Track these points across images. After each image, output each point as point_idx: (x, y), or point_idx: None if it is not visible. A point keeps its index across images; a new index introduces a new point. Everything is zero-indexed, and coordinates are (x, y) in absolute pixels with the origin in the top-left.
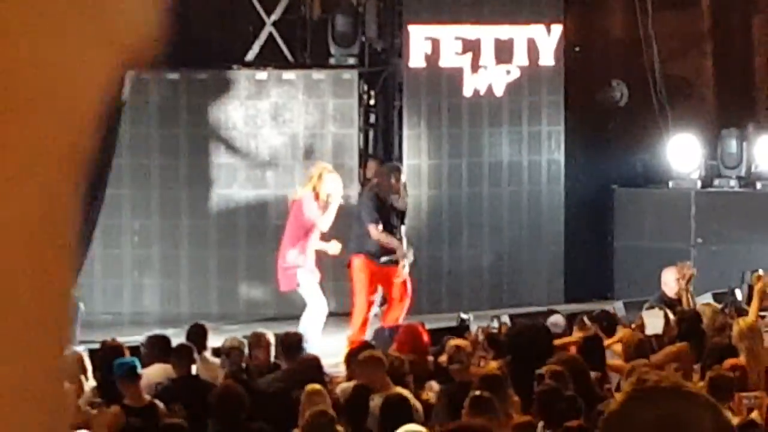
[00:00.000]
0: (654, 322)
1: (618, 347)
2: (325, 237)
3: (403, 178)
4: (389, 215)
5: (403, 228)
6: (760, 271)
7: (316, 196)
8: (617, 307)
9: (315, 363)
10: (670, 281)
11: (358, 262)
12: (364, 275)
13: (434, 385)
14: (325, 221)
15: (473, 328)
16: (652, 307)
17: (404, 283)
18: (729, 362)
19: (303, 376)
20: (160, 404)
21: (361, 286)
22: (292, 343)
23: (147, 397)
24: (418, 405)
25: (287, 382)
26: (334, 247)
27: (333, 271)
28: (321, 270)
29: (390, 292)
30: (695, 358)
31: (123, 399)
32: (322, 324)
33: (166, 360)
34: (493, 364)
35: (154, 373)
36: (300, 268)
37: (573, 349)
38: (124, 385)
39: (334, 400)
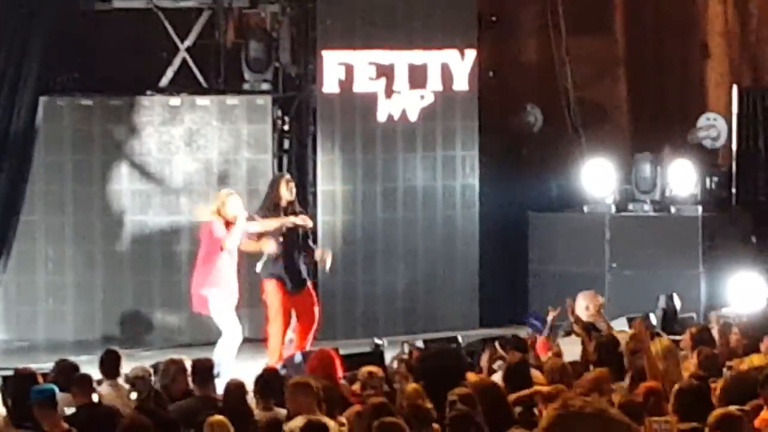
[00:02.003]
0: (571, 348)
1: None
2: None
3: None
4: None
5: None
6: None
7: (225, 223)
8: (530, 333)
9: (239, 390)
10: (590, 306)
11: (271, 287)
12: (277, 300)
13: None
14: (231, 240)
15: (387, 354)
16: (568, 334)
17: (313, 307)
18: (644, 385)
19: (227, 403)
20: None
21: (274, 311)
22: (203, 370)
23: (65, 425)
24: (336, 430)
25: (202, 409)
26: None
27: (249, 297)
28: (238, 294)
29: (300, 317)
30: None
31: (39, 427)
32: (236, 350)
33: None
34: (410, 388)
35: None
36: (212, 295)
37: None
38: (41, 413)
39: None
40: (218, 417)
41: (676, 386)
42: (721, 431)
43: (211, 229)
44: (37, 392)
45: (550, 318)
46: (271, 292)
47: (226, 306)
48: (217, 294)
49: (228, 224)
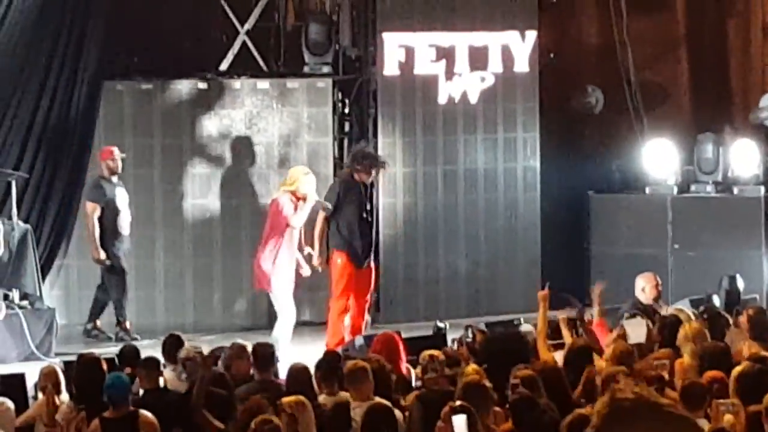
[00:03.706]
0: (636, 330)
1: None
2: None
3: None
4: (360, 204)
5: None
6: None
7: (296, 197)
8: (594, 314)
9: (304, 374)
10: (646, 288)
11: (341, 260)
12: (346, 274)
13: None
14: (298, 219)
15: (450, 336)
16: (632, 316)
17: (370, 287)
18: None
19: (291, 387)
20: (144, 413)
21: (341, 287)
22: (264, 354)
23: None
24: (399, 414)
25: (262, 393)
26: (306, 270)
27: (309, 280)
28: (296, 280)
29: (358, 296)
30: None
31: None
32: (291, 332)
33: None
34: (471, 369)
35: None
36: (273, 272)
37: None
38: (114, 403)
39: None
40: (297, 397)
41: (737, 369)
42: None
43: (279, 206)
44: (112, 388)
45: (595, 296)
46: (341, 265)
47: (285, 285)
48: (278, 272)
49: (297, 199)
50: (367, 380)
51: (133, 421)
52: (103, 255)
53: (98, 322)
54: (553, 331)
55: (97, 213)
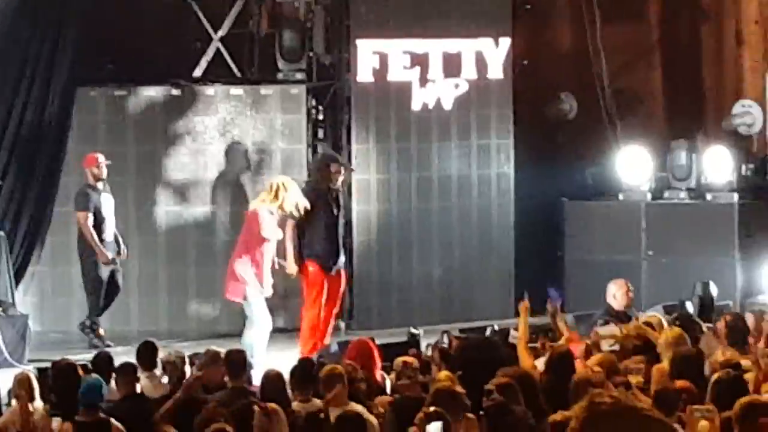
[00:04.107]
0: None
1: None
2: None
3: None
4: (329, 211)
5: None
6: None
7: (281, 209)
8: (568, 321)
9: (278, 381)
10: (618, 294)
11: (313, 269)
12: (318, 284)
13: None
14: (278, 233)
15: (424, 342)
16: (605, 323)
17: (340, 293)
18: (678, 384)
19: (265, 394)
20: (114, 422)
21: (314, 295)
22: (237, 361)
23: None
24: (373, 420)
25: (235, 400)
26: (291, 267)
27: (282, 287)
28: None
29: (327, 301)
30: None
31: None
32: (267, 340)
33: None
34: (443, 375)
35: None
36: (249, 283)
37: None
38: (88, 407)
39: (292, 420)
40: (272, 405)
41: (714, 376)
42: (747, 419)
43: (259, 218)
44: (88, 391)
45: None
46: (312, 273)
47: (261, 296)
48: (254, 282)
49: (282, 210)
50: (343, 385)
51: (105, 427)
52: (111, 255)
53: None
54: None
55: (90, 220)
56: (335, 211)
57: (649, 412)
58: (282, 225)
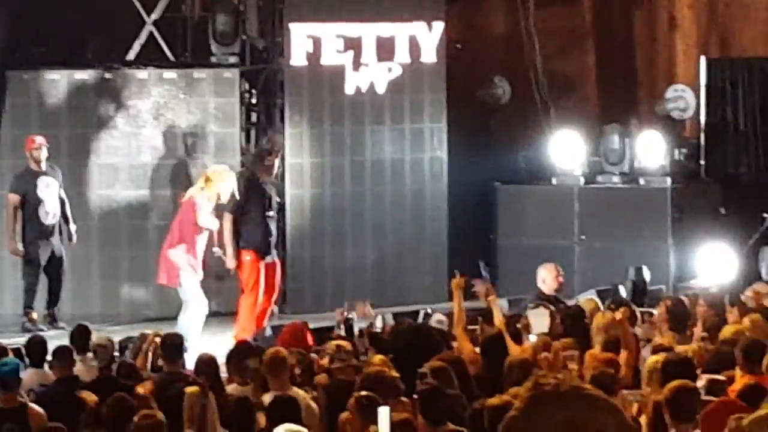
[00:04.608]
0: (539, 321)
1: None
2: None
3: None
4: (264, 200)
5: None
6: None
7: (217, 197)
8: (501, 305)
9: (212, 364)
10: (547, 278)
11: (249, 258)
12: (255, 272)
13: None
14: (211, 221)
15: (357, 327)
16: (536, 306)
17: (276, 278)
18: (602, 356)
19: (199, 377)
20: (33, 406)
21: (252, 284)
22: (172, 345)
23: (20, 398)
24: (313, 405)
25: (171, 384)
26: (230, 262)
27: (217, 271)
28: (205, 269)
29: (266, 287)
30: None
31: None
32: (202, 324)
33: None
34: (377, 359)
35: (27, 378)
36: (182, 270)
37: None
38: (6, 386)
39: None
40: (195, 387)
41: (652, 359)
42: (674, 403)
43: (195, 205)
44: (6, 370)
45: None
46: (249, 262)
47: (196, 280)
48: (188, 267)
49: (218, 199)
50: (286, 369)
51: (22, 412)
52: (20, 246)
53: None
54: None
55: (14, 203)
56: (271, 200)
57: (593, 391)
58: (218, 215)
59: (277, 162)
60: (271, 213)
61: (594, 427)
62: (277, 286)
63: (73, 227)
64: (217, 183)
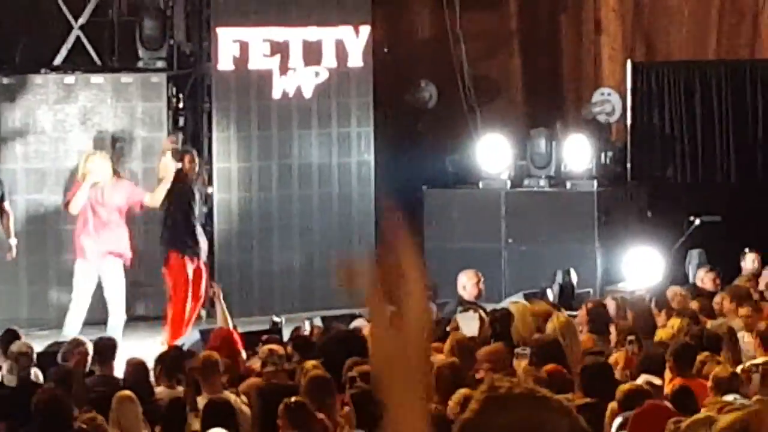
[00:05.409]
0: (469, 324)
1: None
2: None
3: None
4: (190, 203)
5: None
6: None
7: (83, 177)
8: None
9: (141, 369)
10: (467, 285)
11: (176, 260)
12: (184, 275)
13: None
14: (74, 204)
15: (286, 331)
16: (465, 310)
17: (203, 279)
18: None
19: (128, 382)
20: None
21: (180, 286)
22: (105, 349)
23: None
24: (245, 409)
25: (108, 387)
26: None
27: (143, 276)
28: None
29: (194, 289)
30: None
31: None
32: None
33: None
34: (310, 364)
35: None
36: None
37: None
38: None
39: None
40: (126, 392)
41: (581, 364)
42: (628, 405)
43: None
44: None
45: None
46: (178, 266)
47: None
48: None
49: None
50: (218, 373)
51: None
52: None
53: None
54: None
55: None
56: (196, 200)
57: (546, 393)
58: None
59: (197, 163)
60: (195, 213)
61: (547, 429)
62: (205, 288)
63: (13, 241)
64: (84, 165)
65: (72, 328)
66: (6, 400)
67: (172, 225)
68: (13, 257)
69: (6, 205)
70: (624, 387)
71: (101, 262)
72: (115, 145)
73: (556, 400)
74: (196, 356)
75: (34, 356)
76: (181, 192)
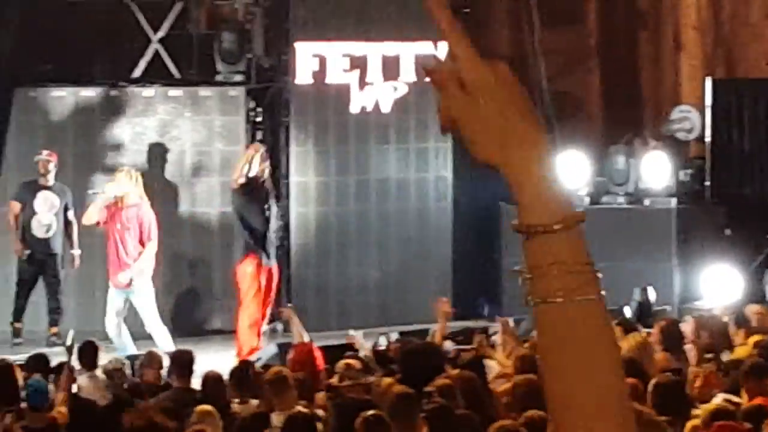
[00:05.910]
0: None
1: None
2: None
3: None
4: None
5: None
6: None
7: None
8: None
9: (219, 382)
10: None
11: (249, 267)
12: (256, 282)
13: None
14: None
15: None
16: None
17: (273, 283)
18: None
19: (206, 395)
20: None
21: (252, 294)
22: (183, 361)
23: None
24: (319, 425)
25: (181, 401)
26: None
27: (219, 288)
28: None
29: (265, 292)
30: None
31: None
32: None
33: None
34: (388, 380)
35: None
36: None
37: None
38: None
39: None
40: (206, 406)
41: (653, 381)
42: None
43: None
44: (34, 393)
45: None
46: (250, 273)
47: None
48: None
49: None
50: (290, 388)
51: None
52: (18, 246)
53: (55, 329)
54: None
55: (14, 210)
56: (270, 209)
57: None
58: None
59: (266, 159)
60: (267, 220)
61: None
62: (274, 294)
63: (76, 252)
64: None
65: (126, 346)
66: (97, 418)
67: (245, 235)
68: (75, 267)
69: (70, 214)
70: (708, 406)
71: (127, 285)
72: (192, 159)
73: (655, 420)
74: (269, 370)
75: (128, 371)
76: (258, 199)
